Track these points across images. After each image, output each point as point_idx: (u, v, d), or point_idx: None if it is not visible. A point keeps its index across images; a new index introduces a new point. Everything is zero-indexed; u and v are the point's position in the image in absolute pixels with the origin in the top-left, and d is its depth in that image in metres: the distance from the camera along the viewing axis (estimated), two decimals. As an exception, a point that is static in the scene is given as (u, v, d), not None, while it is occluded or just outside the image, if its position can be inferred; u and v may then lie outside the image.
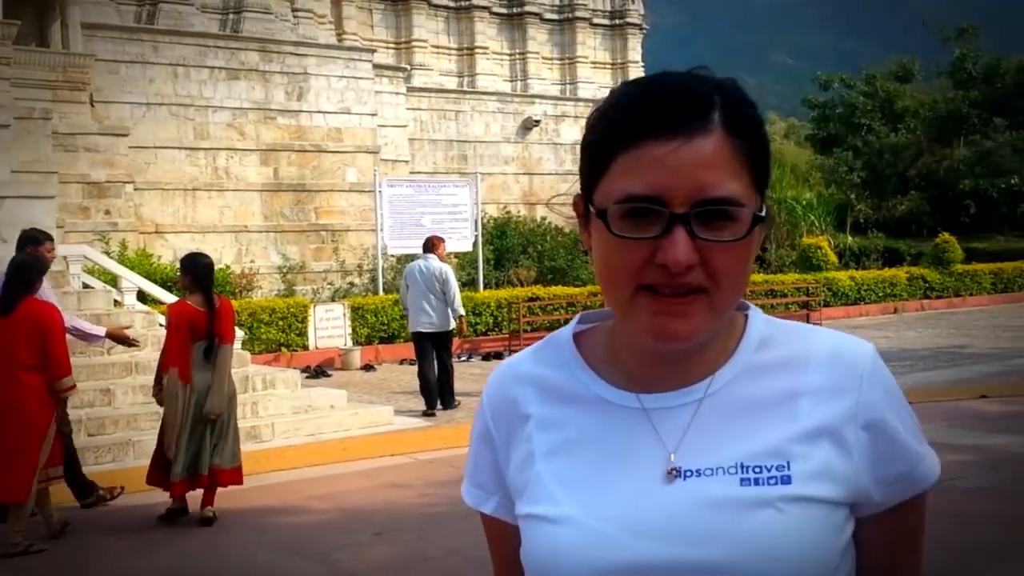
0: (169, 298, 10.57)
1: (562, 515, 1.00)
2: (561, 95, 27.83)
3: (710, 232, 0.93)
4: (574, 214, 1.06)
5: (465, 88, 26.92)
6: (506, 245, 20.43)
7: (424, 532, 5.72)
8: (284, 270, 19.13)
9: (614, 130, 0.97)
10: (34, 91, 15.85)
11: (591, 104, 24.70)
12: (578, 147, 1.07)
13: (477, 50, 27.15)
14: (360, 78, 21.34)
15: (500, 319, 16.52)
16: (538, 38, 28.44)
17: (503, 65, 28.00)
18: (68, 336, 6.14)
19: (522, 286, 18.17)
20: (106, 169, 17.44)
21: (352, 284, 19.14)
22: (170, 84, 19.10)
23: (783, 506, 0.95)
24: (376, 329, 15.55)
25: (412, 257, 16.21)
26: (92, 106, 17.88)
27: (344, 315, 15.35)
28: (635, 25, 29.97)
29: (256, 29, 20.15)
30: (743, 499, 0.96)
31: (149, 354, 8.85)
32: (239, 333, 10.97)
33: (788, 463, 0.97)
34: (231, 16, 20.29)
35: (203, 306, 6.18)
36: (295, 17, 21.08)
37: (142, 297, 12.01)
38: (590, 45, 29.38)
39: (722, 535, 0.95)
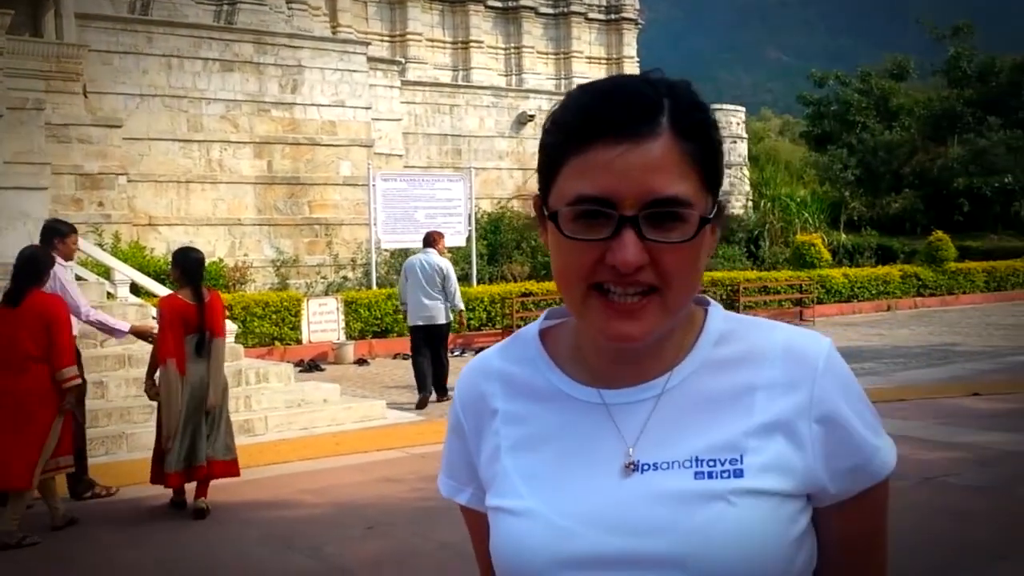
0: (162, 291, 10.55)
1: (525, 508, 1.03)
2: (556, 90, 27.80)
3: (658, 233, 0.96)
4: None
5: (459, 82, 26.89)
6: (500, 240, 20.43)
7: (416, 526, 5.73)
8: (277, 264, 19.10)
9: (565, 134, 0.99)
10: (27, 81, 15.78)
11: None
12: None
13: (472, 44, 27.11)
14: (354, 71, 21.30)
15: (494, 314, 16.53)
16: (533, 32, 28.41)
17: (498, 59, 27.98)
18: (92, 329, 6.17)
19: (516, 281, 18.18)
20: (99, 160, 17.38)
21: (345, 278, 19.11)
22: (164, 75, 19.04)
23: (735, 499, 0.98)
24: (369, 323, 15.54)
25: (405, 252, 16.22)
26: (85, 97, 17.81)
27: (337, 309, 15.33)
28: (630, 20, 29.97)
29: (250, 21, 20.09)
30: (696, 492, 0.98)
31: (142, 347, 8.83)
32: (232, 326, 10.97)
33: (741, 456, 1.00)
34: (225, 7, 20.23)
35: (193, 300, 6.22)
36: (289, 9, 21.02)
37: (135, 290, 11.98)
38: (585, 40, 29.36)
39: (674, 527, 0.97)
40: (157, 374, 6.24)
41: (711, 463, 0.99)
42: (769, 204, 27.72)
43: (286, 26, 20.66)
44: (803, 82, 40.62)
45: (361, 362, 14.57)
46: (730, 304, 18.89)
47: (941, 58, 35.77)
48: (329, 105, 20.87)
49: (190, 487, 6.22)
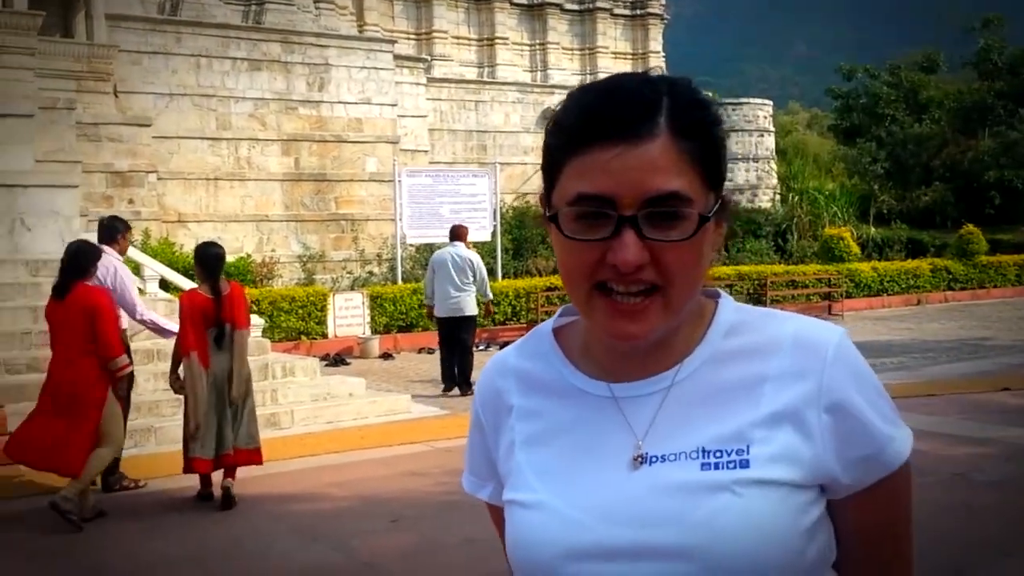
0: (191, 286, 10.65)
1: (537, 501, 1.05)
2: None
3: (658, 232, 0.97)
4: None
5: (485, 79, 26.91)
6: (524, 235, 20.44)
7: (441, 520, 5.76)
8: (304, 259, 19.23)
9: (566, 135, 1.00)
10: (58, 81, 15.99)
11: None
12: None
13: (497, 40, 27.11)
14: (381, 69, 21.39)
15: (519, 308, 16.54)
16: (558, 28, 28.37)
17: (523, 55, 27.96)
18: (140, 327, 6.27)
19: (540, 276, 18.18)
20: (129, 159, 17.58)
21: (371, 273, 19.20)
22: (193, 75, 19.22)
23: (740, 490, 0.98)
24: (395, 318, 15.60)
25: (431, 247, 16.25)
26: (116, 96, 18.02)
27: (363, 304, 15.41)
28: (656, 15, 29.83)
29: (278, 20, 20.24)
30: (702, 483, 0.99)
31: (170, 341, 8.92)
32: (259, 320, 11.07)
33: (748, 447, 1.00)
34: (253, 7, 20.39)
35: (211, 294, 6.31)
36: (316, 8, 21.14)
37: (164, 285, 12.12)
38: (611, 35, 29.27)
39: (681, 519, 0.98)
40: (181, 368, 6.33)
41: (717, 454, 1.00)
42: (797, 198, 27.49)
43: (313, 25, 20.79)
44: (830, 75, 40.25)
45: (386, 356, 14.63)
46: (758, 298, 18.78)
47: (969, 50, 35.33)
48: (356, 103, 20.98)
49: (217, 480, 6.30)
